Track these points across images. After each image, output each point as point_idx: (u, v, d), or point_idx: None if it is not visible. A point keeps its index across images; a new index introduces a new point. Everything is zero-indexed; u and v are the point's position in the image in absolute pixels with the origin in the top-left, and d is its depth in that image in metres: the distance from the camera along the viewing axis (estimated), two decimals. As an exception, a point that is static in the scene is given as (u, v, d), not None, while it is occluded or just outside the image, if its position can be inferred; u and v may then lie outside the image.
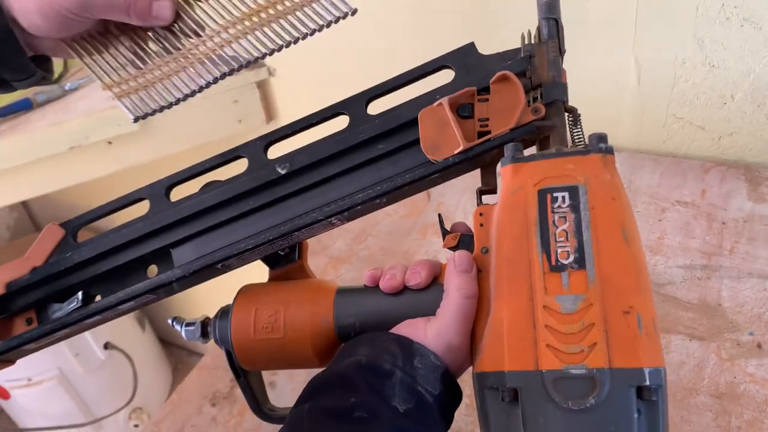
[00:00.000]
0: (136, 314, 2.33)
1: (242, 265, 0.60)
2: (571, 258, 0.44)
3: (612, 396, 0.40)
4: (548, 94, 0.51)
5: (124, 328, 2.23)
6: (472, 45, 0.56)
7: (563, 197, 0.45)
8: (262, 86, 1.43)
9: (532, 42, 0.54)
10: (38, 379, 2.05)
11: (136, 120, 0.62)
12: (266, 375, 0.67)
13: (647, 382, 0.40)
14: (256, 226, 0.58)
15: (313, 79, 1.37)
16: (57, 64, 1.41)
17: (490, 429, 0.45)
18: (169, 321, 0.63)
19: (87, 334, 0.63)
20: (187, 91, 0.61)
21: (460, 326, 0.49)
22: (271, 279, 0.62)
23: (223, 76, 0.61)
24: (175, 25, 0.63)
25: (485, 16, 1.14)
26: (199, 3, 0.63)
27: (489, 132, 0.52)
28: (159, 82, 0.63)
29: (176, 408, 0.88)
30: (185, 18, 0.63)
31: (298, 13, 0.60)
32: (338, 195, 0.56)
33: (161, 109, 0.62)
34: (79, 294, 0.61)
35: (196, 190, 0.60)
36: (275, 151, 0.58)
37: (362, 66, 1.29)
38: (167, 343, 2.70)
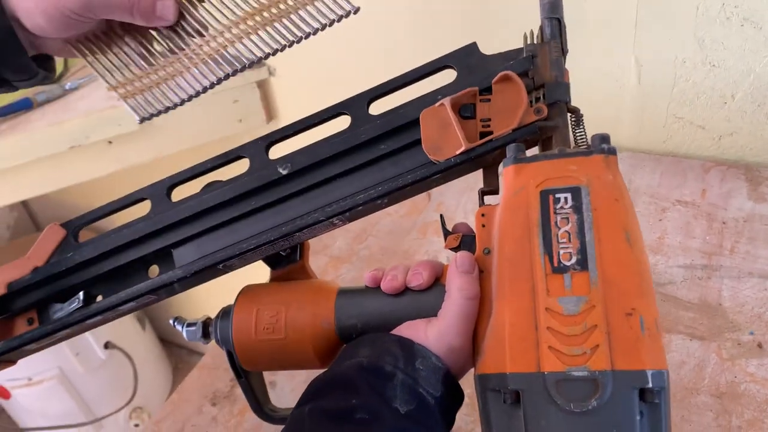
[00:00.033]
0: (137, 314, 2.33)
1: (243, 266, 0.60)
2: (574, 259, 0.43)
3: (614, 398, 0.40)
4: (551, 95, 0.51)
5: (125, 328, 2.23)
6: (474, 45, 0.55)
7: (566, 198, 0.45)
8: (262, 86, 1.42)
9: (535, 42, 0.53)
10: (39, 379, 2.04)
11: (141, 121, 0.62)
12: (266, 374, 0.67)
13: (650, 384, 0.40)
14: (258, 226, 0.58)
15: (313, 79, 1.37)
16: (57, 63, 1.41)
17: (491, 431, 0.45)
18: (171, 321, 0.63)
19: (87, 333, 0.63)
20: (192, 91, 0.61)
21: (462, 327, 0.49)
22: (272, 279, 0.62)
23: (227, 76, 0.61)
24: (179, 25, 0.63)
25: (486, 15, 1.13)
26: (202, 3, 0.63)
27: (491, 132, 0.52)
28: (164, 82, 0.63)
29: (176, 407, 0.88)
30: (188, 18, 0.63)
31: (300, 12, 0.60)
32: (340, 195, 0.56)
33: (166, 109, 0.62)
34: (81, 294, 0.61)
35: (198, 191, 0.60)
36: (276, 152, 0.58)
37: (362, 66, 1.29)
38: (168, 342, 2.70)
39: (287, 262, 0.61)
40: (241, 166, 0.59)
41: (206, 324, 0.61)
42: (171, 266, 0.59)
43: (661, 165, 1.08)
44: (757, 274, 0.87)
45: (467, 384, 0.52)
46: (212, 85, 0.61)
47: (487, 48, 0.55)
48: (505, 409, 0.43)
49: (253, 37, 0.61)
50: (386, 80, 0.57)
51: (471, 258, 0.50)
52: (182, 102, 0.62)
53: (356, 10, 0.59)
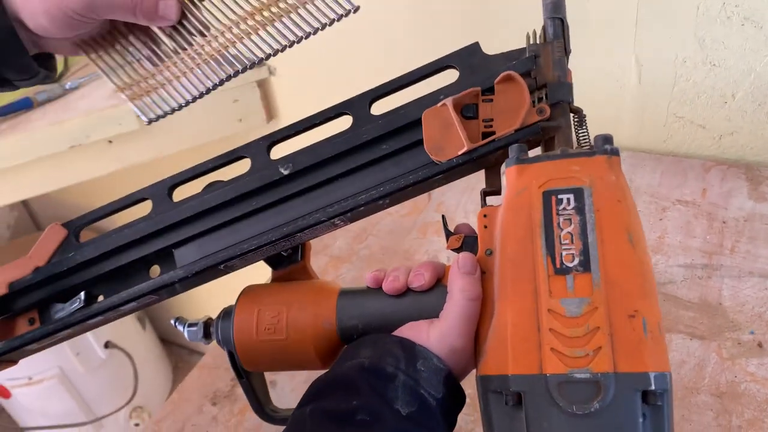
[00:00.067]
0: (137, 313, 2.33)
1: (245, 266, 0.60)
2: (576, 261, 0.43)
3: (617, 401, 0.40)
4: (553, 95, 0.51)
5: (125, 327, 2.23)
6: (476, 45, 0.55)
7: (568, 199, 0.45)
8: (262, 85, 1.42)
9: (537, 42, 0.53)
10: (39, 378, 2.04)
11: (150, 122, 0.62)
12: (267, 374, 0.67)
13: (652, 387, 0.40)
14: (259, 226, 0.57)
15: (313, 79, 1.37)
16: (58, 63, 1.41)
17: None
18: (172, 321, 0.63)
19: (87, 333, 0.63)
20: (197, 92, 0.62)
21: (464, 329, 0.49)
22: (273, 279, 0.62)
23: (230, 77, 0.61)
24: (182, 24, 0.63)
25: (489, 15, 1.13)
26: (203, 2, 0.63)
27: (493, 133, 0.52)
28: (169, 83, 0.63)
29: (177, 407, 0.88)
30: (190, 17, 0.63)
31: (299, 11, 0.60)
32: (341, 196, 0.56)
33: (173, 111, 0.62)
34: (82, 294, 0.60)
35: (199, 191, 0.59)
36: (278, 152, 0.58)
37: (363, 65, 1.29)
38: (168, 342, 2.70)
39: (288, 262, 0.61)
40: (243, 166, 0.59)
41: (207, 324, 0.61)
42: (172, 266, 0.59)
43: (661, 164, 1.08)
44: (757, 273, 0.87)
45: (468, 383, 0.52)
46: (217, 85, 0.62)
47: (490, 48, 0.55)
48: (507, 410, 0.43)
49: (254, 37, 0.61)
50: (388, 80, 0.57)
51: (473, 259, 0.50)
52: (189, 102, 0.62)
53: (356, 9, 0.59)
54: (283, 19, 0.60)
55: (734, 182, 1.01)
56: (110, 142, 1.33)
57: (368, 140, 0.55)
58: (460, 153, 0.52)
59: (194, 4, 0.63)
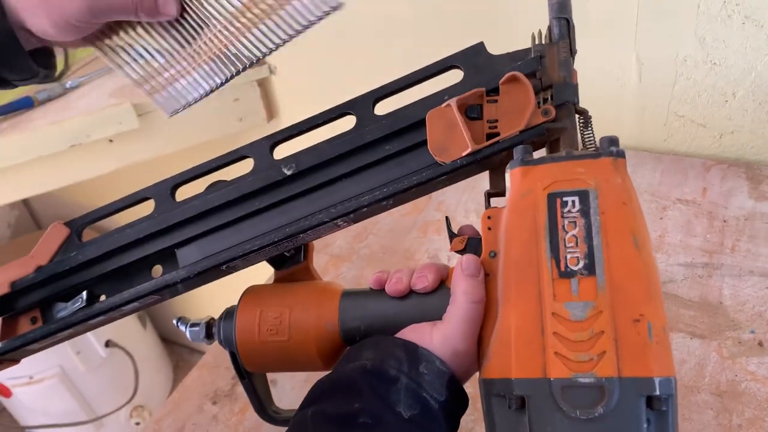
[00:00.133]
0: (138, 312, 2.32)
1: (247, 267, 0.60)
2: (581, 264, 0.43)
3: (621, 406, 0.39)
4: (559, 96, 0.51)
5: (126, 326, 2.23)
6: (481, 45, 0.55)
7: (573, 202, 0.44)
8: (262, 84, 1.42)
9: (543, 42, 0.53)
10: (40, 377, 2.04)
11: (172, 115, 0.63)
12: (268, 373, 0.67)
13: (657, 392, 0.39)
14: (262, 227, 0.57)
15: (314, 78, 1.37)
16: (58, 62, 1.40)
17: None
18: (174, 321, 0.63)
19: (88, 332, 0.64)
20: (213, 83, 0.63)
21: (467, 331, 0.49)
22: (276, 280, 0.62)
23: (239, 72, 0.62)
24: (184, 18, 0.64)
25: (492, 15, 1.13)
26: None
27: (498, 134, 0.51)
28: (184, 76, 0.64)
29: (177, 406, 0.88)
30: (190, 12, 0.63)
31: (280, 12, 0.61)
32: (344, 196, 0.56)
33: (194, 101, 0.63)
34: (84, 293, 0.60)
35: (202, 190, 0.59)
36: (281, 152, 0.58)
37: (364, 65, 1.29)
38: (168, 341, 2.69)
39: (291, 263, 0.61)
40: (246, 166, 0.59)
41: (210, 325, 0.61)
42: (175, 266, 0.59)
43: (661, 163, 1.08)
44: (757, 272, 0.87)
45: (468, 382, 0.52)
46: (232, 76, 0.63)
47: (495, 48, 0.55)
48: (510, 414, 0.43)
49: (249, 35, 0.62)
50: (391, 80, 0.57)
51: (477, 261, 0.50)
52: (209, 92, 0.63)
53: (339, 7, 0.60)
54: (268, 21, 0.61)
55: (735, 181, 1.01)
56: (111, 141, 1.32)
57: (372, 141, 0.55)
58: (464, 154, 0.51)
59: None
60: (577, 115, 0.52)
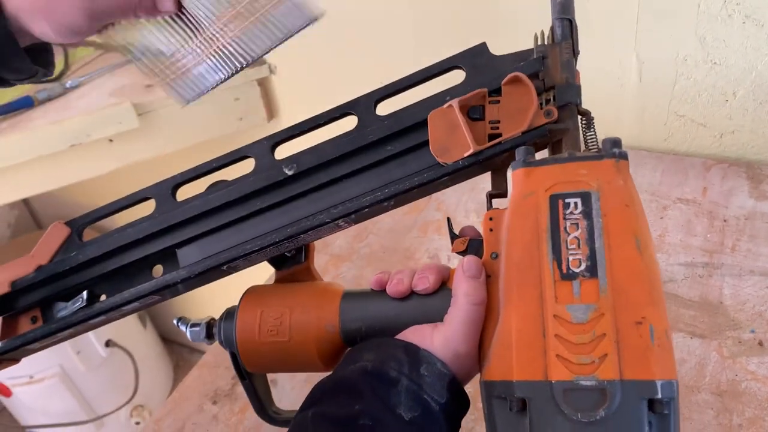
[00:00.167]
0: (138, 312, 2.33)
1: (248, 267, 0.60)
2: (583, 266, 0.43)
3: (623, 408, 0.39)
4: (561, 97, 0.51)
5: (126, 326, 2.23)
6: (483, 45, 0.55)
7: (575, 203, 0.44)
8: (263, 84, 1.42)
9: (545, 43, 0.53)
10: (40, 377, 2.04)
11: (187, 103, 0.64)
12: (268, 373, 0.67)
13: (659, 395, 0.39)
14: (263, 227, 0.57)
15: (314, 77, 1.36)
16: (58, 62, 1.40)
17: None
18: (174, 321, 0.63)
19: (88, 331, 0.64)
20: (223, 74, 0.63)
21: (468, 333, 0.48)
22: (277, 280, 0.62)
23: (237, 72, 0.63)
24: (183, 13, 0.65)
25: (495, 15, 1.13)
26: None
27: (500, 135, 0.51)
28: (195, 67, 0.64)
29: (177, 406, 0.88)
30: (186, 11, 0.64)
31: (259, 23, 0.62)
32: (345, 197, 0.55)
33: (207, 90, 0.65)
34: (84, 293, 0.60)
35: (203, 190, 0.59)
36: (282, 152, 0.58)
37: (364, 64, 1.28)
38: (168, 340, 2.70)
39: (292, 263, 0.61)
40: (247, 166, 0.58)
41: (210, 325, 0.61)
42: (175, 266, 0.59)
43: (662, 163, 1.08)
44: (758, 272, 0.87)
45: (468, 383, 0.52)
46: (240, 68, 0.64)
47: (497, 48, 0.55)
48: (511, 417, 0.43)
49: (237, 40, 0.63)
50: (393, 80, 0.57)
51: (478, 263, 0.50)
52: (222, 81, 0.63)
53: (317, 19, 0.60)
54: (251, 28, 0.62)
55: (735, 181, 1.01)
56: (111, 140, 1.32)
57: (373, 141, 0.55)
58: (466, 155, 0.51)
59: None
60: (579, 117, 0.51)
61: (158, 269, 0.61)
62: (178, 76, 0.66)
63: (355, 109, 0.56)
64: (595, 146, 0.51)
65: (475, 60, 0.54)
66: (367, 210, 0.55)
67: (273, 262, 0.61)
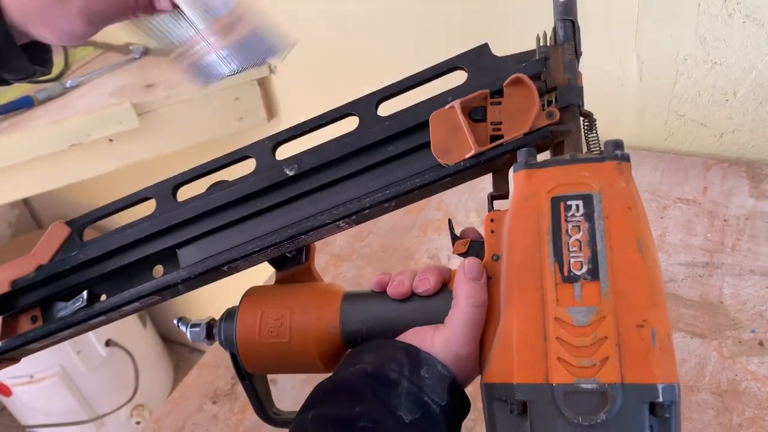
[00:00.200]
0: (138, 312, 2.33)
1: (249, 267, 0.60)
2: (584, 269, 0.43)
3: (624, 412, 0.39)
4: (563, 98, 0.50)
5: (126, 326, 2.23)
6: (485, 46, 0.54)
7: (577, 206, 0.44)
8: (263, 83, 1.42)
9: (548, 44, 0.53)
10: (40, 376, 2.04)
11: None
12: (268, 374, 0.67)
13: (660, 399, 0.39)
14: (263, 227, 0.57)
15: (314, 77, 1.36)
16: (58, 62, 1.41)
17: None
18: (175, 321, 0.63)
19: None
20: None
21: (469, 335, 0.48)
22: (277, 281, 0.62)
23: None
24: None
25: (497, 16, 1.13)
26: None
27: (502, 136, 0.51)
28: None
29: (177, 405, 0.88)
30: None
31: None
32: (346, 198, 0.55)
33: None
34: (84, 293, 0.60)
35: (203, 190, 0.59)
36: (283, 152, 0.58)
37: (364, 64, 1.28)
38: (169, 340, 2.70)
39: (293, 263, 0.61)
40: (247, 166, 0.58)
41: (210, 325, 0.61)
42: (176, 267, 0.59)
43: (662, 162, 1.08)
44: (758, 271, 0.87)
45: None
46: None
47: (499, 49, 0.55)
48: (512, 419, 0.43)
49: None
50: (395, 81, 0.57)
51: (479, 264, 0.50)
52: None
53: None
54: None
55: (735, 180, 1.01)
56: (111, 140, 1.32)
57: (374, 142, 0.55)
58: (467, 156, 0.51)
59: None
60: (581, 118, 0.51)
61: (158, 269, 0.61)
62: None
63: (357, 109, 0.56)
64: (597, 148, 0.51)
65: (477, 61, 0.54)
66: (368, 211, 0.55)
67: (273, 262, 0.61)
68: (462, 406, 0.51)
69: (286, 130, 0.58)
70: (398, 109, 0.55)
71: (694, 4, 0.96)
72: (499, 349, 0.45)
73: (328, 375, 0.52)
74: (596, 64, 1.08)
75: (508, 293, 0.46)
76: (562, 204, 0.45)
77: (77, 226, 0.62)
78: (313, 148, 0.56)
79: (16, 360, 0.65)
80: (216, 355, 0.94)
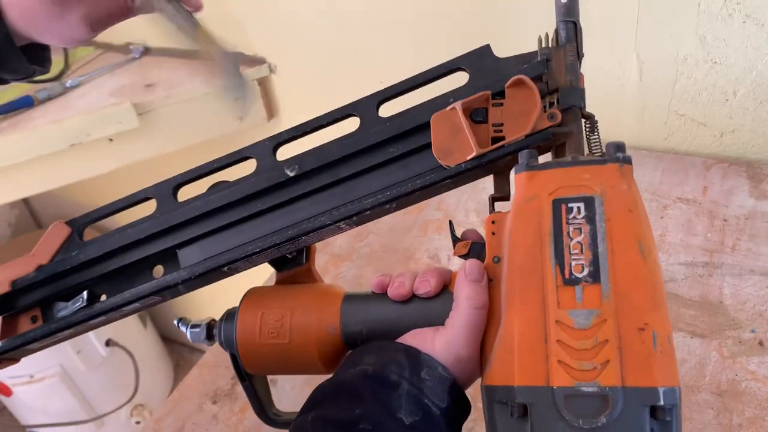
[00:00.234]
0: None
1: (249, 268, 0.60)
2: (586, 271, 0.42)
3: (624, 415, 0.39)
4: (565, 100, 0.50)
5: (126, 326, 2.24)
6: (487, 47, 0.54)
7: (578, 208, 0.44)
8: (263, 83, 1.42)
9: (550, 45, 0.52)
10: (40, 376, 2.05)
11: None
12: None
13: (661, 402, 0.39)
14: (264, 228, 0.57)
15: (314, 77, 1.36)
16: (59, 61, 1.41)
17: None
18: (175, 322, 0.63)
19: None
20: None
21: (470, 337, 0.48)
22: (278, 281, 0.61)
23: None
24: None
25: (498, 17, 1.12)
26: None
27: (503, 138, 0.51)
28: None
29: (177, 405, 0.88)
30: None
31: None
32: (347, 199, 0.55)
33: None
34: (85, 293, 0.60)
35: (204, 191, 0.59)
36: (284, 153, 0.58)
37: (364, 64, 1.28)
38: (169, 340, 2.70)
39: (293, 264, 0.61)
40: (248, 167, 0.58)
41: (210, 326, 0.60)
42: (176, 267, 0.59)
43: (662, 162, 1.08)
44: (758, 271, 0.87)
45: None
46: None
47: (501, 50, 0.55)
48: (512, 422, 0.43)
49: None
50: (394, 80, 0.56)
51: (480, 266, 0.50)
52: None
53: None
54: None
55: (735, 180, 1.01)
56: (111, 140, 1.32)
57: (375, 143, 0.55)
58: (468, 158, 0.51)
59: None
60: (583, 120, 0.51)
61: (159, 270, 0.61)
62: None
63: (358, 110, 0.56)
64: (599, 150, 0.51)
65: (479, 62, 0.54)
66: (368, 212, 0.55)
67: (274, 263, 0.61)
68: (462, 408, 0.50)
69: (287, 131, 0.58)
70: (399, 110, 0.55)
71: (694, 3, 0.96)
72: (499, 351, 0.45)
73: (329, 376, 0.52)
74: (596, 64, 1.08)
75: (509, 295, 0.46)
76: (563, 206, 0.45)
77: (77, 226, 0.61)
78: (314, 148, 0.56)
79: (16, 360, 0.65)
80: (216, 355, 0.94)
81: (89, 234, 0.62)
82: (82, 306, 0.60)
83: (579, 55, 0.52)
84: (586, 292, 0.42)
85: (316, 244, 0.62)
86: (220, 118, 1.39)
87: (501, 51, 0.54)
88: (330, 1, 1.20)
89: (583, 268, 0.43)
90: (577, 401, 0.40)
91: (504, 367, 0.44)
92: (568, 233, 0.44)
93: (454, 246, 0.53)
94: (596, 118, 0.51)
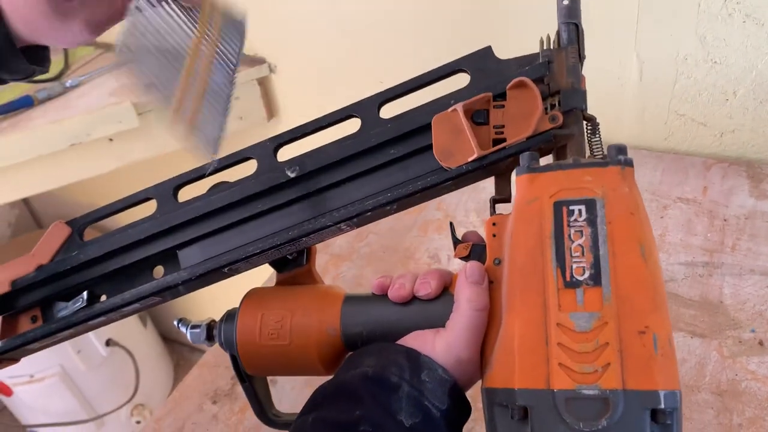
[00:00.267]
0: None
1: (249, 269, 0.60)
2: (587, 274, 0.42)
3: (625, 418, 0.39)
4: (566, 102, 0.50)
5: (126, 325, 2.23)
6: (489, 49, 0.54)
7: (580, 210, 0.44)
8: (262, 83, 1.41)
9: (551, 47, 0.52)
10: (40, 376, 2.04)
11: None
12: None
13: (662, 405, 0.39)
14: (264, 229, 0.57)
15: (314, 76, 1.36)
16: (59, 61, 1.40)
17: None
18: (175, 323, 0.63)
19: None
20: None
21: (470, 339, 0.48)
22: (278, 282, 0.61)
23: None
24: None
25: (500, 18, 1.12)
26: None
27: (504, 140, 0.51)
28: None
29: (177, 405, 0.88)
30: None
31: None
32: (348, 200, 0.55)
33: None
34: (85, 293, 0.60)
35: (204, 191, 0.59)
36: (285, 154, 0.58)
37: (363, 63, 1.28)
38: (169, 339, 2.70)
39: (294, 265, 0.61)
40: (249, 168, 0.58)
41: (210, 327, 0.60)
42: (176, 267, 0.59)
43: (662, 162, 1.08)
44: (758, 271, 0.87)
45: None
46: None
47: (502, 52, 0.55)
48: (513, 425, 0.42)
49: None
50: (394, 80, 0.56)
51: (481, 268, 0.50)
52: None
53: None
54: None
55: (735, 180, 1.01)
56: (111, 140, 1.32)
57: (376, 144, 0.54)
58: (470, 160, 0.51)
59: None
60: (584, 122, 0.51)
61: (159, 270, 0.61)
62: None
63: (359, 111, 0.56)
64: (600, 152, 0.51)
65: (480, 63, 0.54)
66: (369, 214, 0.55)
67: (274, 264, 0.61)
68: (463, 410, 0.50)
69: (287, 132, 0.58)
70: (400, 112, 0.55)
71: (694, 3, 0.96)
72: (500, 353, 0.45)
73: (329, 378, 0.52)
74: (596, 64, 1.07)
75: (509, 297, 0.46)
76: (564, 208, 0.44)
77: (78, 226, 0.61)
78: (314, 149, 0.56)
79: (16, 360, 0.65)
80: (216, 355, 0.94)
81: (89, 234, 0.62)
82: (82, 306, 0.60)
83: (581, 57, 0.51)
84: (587, 294, 0.42)
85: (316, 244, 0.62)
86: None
87: (502, 52, 0.54)
88: (330, 1, 1.20)
89: (584, 270, 0.43)
90: (578, 404, 0.40)
91: (504, 370, 0.44)
92: (570, 236, 0.44)
93: (455, 248, 0.53)
94: (598, 120, 0.51)
